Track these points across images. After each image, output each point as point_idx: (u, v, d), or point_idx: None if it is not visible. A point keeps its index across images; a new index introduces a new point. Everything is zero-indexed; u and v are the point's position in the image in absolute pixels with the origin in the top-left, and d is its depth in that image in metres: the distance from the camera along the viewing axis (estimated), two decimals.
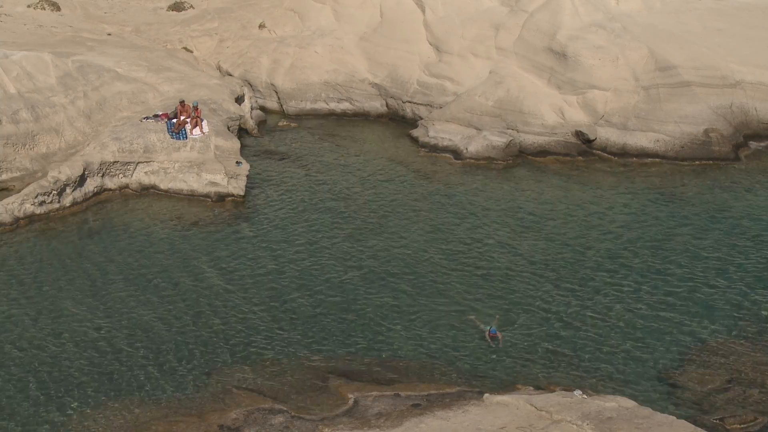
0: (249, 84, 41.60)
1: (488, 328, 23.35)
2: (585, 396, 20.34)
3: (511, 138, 36.16)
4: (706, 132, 35.49)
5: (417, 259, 27.83)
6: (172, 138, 32.89)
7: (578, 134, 36.25)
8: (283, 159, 35.98)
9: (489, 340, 23.25)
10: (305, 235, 29.49)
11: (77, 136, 33.01)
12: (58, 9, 45.93)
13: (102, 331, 23.87)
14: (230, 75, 42.06)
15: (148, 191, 32.40)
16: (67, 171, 30.60)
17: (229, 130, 34.81)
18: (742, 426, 20.19)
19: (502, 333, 23.62)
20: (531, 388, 21.46)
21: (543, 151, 35.99)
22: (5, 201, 29.35)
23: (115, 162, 31.95)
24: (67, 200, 30.54)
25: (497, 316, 23.96)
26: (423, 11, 41.94)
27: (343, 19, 43.48)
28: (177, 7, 47.23)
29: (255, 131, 38.50)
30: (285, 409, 20.49)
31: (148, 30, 44.67)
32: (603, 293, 25.83)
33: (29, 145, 31.74)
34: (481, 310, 24.92)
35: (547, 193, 32.70)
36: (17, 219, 29.28)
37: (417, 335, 23.95)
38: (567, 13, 38.29)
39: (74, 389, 21.51)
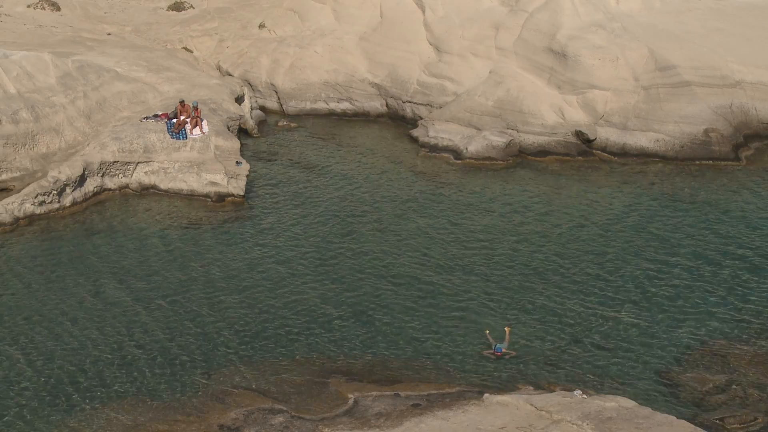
0: (249, 84, 41.60)
1: (495, 346, 23.11)
2: (585, 396, 20.34)
3: (511, 138, 36.17)
4: (706, 132, 35.49)
5: (416, 259, 27.82)
6: (172, 138, 32.89)
7: (578, 134, 36.25)
8: (283, 159, 35.98)
9: (490, 356, 22.90)
10: (305, 234, 29.49)
11: (77, 136, 33.00)
12: (58, 9, 45.92)
13: (101, 331, 23.86)
14: (230, 75, 42.05)
15: (148, 191, 32.40)
16: (67, 171, 30.61)
17: (229, 130, 34.82)
18: (742, 426, 20.20)
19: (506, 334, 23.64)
20: (531, 388, 21.46)
21: (543, 151, 35.99)
22: (5, 201, 29.35)
23: (115, 162, 31.95)
24: (67, 200, 30.54)
25: (508, 329, 23.68)
26: (423, 11, 41.94)
27: (343, 19, 43.47)
28: (177, 7, 47.22)
29: (255, 131, 38.50)
30: (285, 409, 20.50)
31: (148, 30, 44.67)
32: (602, 293, 25.83)
33: (29, 145, 31.74)
34: (480, 310, 24.96)
35: (546, 194, 32.69)
36: (17, 219, 29.29)
37: (417, 335, 23.95)
38: (567, 13, 38.29)
39: (73, 389, 21.51)
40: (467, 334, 23.94)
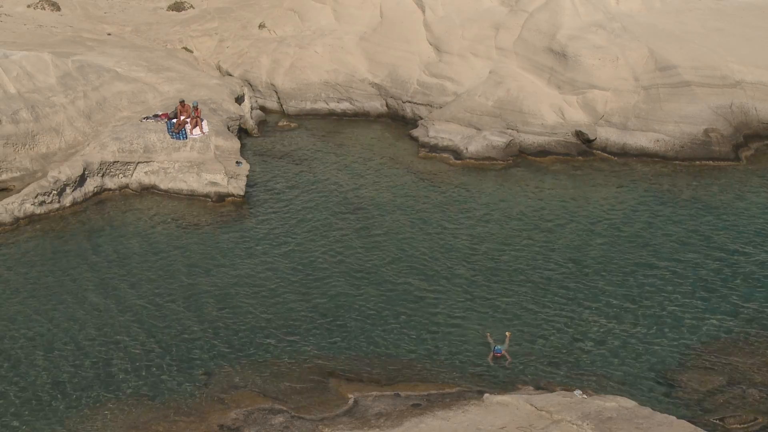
0: (249, 84, 41.61)
1: (494, 347, 23.06)
2: (585, 396, 20.34)
3: (511, 138, 36.16)
4: (706, 132, 35.49)
5: (417, 260, 27.82)
6: (172, 138, 32.89)
7: (578, 134, 36.25)
8: (283, 159, 35.98)
9: (491, 361, 22.81)
10: (305, 235, 29.49)
11: (77, 136, 33.01)
12: (58, 9, 45.93)
13: (102, 331, 23.87)
14: (230, 75, 42.06)
15: (148, 191, 32.40)
16: (67, 171, 30.61)
17: (229, 130, 34.82)
18: (742, 426, 20.20)
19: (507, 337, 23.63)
20: (531, 388, 21.46)
21: (543, 151, 35.98)
22: (5, 201, 29.36)
23: (115, 162, 31.96)
24: (67, 200, 30.55)
25: (508, 334, 23.65)
26: (423, 11, 41.94)
27: (343, 19, 43.47)
28: (177, 7, 47.23)
29: (255, 131, 38.50)
30: (285, 409, 20.50)
31: (148, 30, 44.68)
32: (603, 293, 25.83)
33: (29, 145, 31.75)
34: (480, 311, 24.97)
35: (546, 194, 32.69)
36: (17, 219, 29.30)
37: (417, 335, 23.95)
38: (567, 13, 38.29)
39: (74, 389, 21.52)
40: (467, 334, 23.94)
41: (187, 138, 33.03)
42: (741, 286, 26.07)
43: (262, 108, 41.39)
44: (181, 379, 21.97)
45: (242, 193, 31.92)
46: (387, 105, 40.81)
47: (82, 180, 31.00)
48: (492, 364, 22.70)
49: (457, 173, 34.63)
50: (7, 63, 33.32)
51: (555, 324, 24.36)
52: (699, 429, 18.23)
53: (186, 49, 43.35)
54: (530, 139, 36.26)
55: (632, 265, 27.33)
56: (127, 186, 32.44)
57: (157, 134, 32.90)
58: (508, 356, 22.81)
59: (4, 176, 30.81)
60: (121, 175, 32.27)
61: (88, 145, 32.30)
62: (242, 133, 37.20)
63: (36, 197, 29.68)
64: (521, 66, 38.72)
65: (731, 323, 24.26)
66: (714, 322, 24.33)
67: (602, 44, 37.38)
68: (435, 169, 34.94)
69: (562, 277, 26.73)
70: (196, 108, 33.39)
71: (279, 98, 41.59)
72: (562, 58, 37.41)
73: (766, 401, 21.07)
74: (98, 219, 30.34)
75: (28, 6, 45.43)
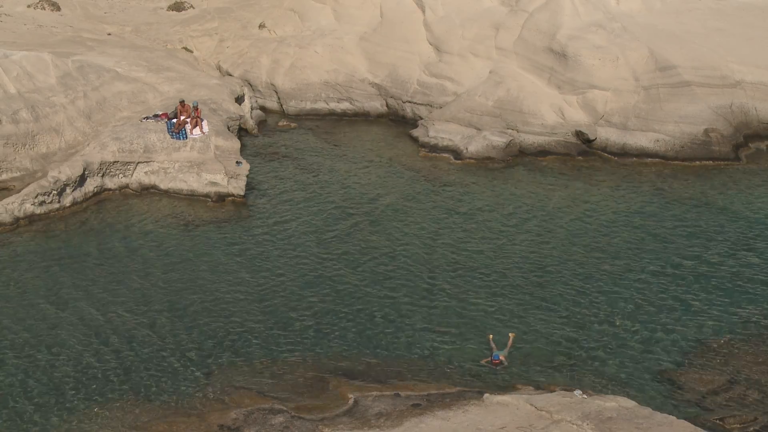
0: (249, 84, 41.62)
1: (493, 353, 22.72)
2: (585, 396, 20.34)
3: (511, 138, 36.18)
4: (706, 132, 35.50)
5: (417, 259, 27.83)
6: (172, 138, 32.90)
7: (578, 134, 36.26)
8: (283, 159, 35.99)
9: (491, 365, 22.61)
10: (305, 235, 29.50)
11: (77, 136, 33.01)
12: (58, 9, 45.93)
13: (101, 331, 23.87)
14: (230, 75, 42.07)
15: (148, 191, 32.40)
16: (67, 171, 30.61)
17: (229, 130, 34.83)
18: (742, 426, 20.18)
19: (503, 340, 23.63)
20: (531, 388, 21.45)
21: (543, 151, 36.01)
22: (5, 201, 29.35)
23: (115, 162, 31.96)
24: (67, 200, 30.55)
25: (512, 336, 23.53)
26: (423, 11, 41.96)
27: (343, 19, 43.49)
28: (177, 7, 47.24)
29: (255, 131, 38.51)
30: (285, 409, 20.49)
31: (148, 30, 44.68)
32: (603, 293, 25.84)
33: (29, 145, 31.74)
34: (480, 311, 24.96)
35: (546, 194, 32.70)
36: (17, 219, 29.29)
37: (417, 335, 23.95)
38: (567, 13, 38.32)
39: (74, 389, 21.51)
40: (467, 334, 23.93)
41: (187, 138, 33.04)
42: (741, 285, 26.07)
43: (262, 108, 41.40)
44: (181, 379, 21.96)
45: (242, 193, 31.92)
46: (387, 105, 40.83)
47: (82, 180, 31.01)
48: (483, 364, 22.61)
49: (457, 173, 34.64)
50: (7, 63, 33.32)
51: (555, 324, 24.35)
52: (699, 429, 18.23)
53: (186, 49, 43.36)
54: (530, 139, 36.28)
55: (632, 264, 27.33)
56: (127, 186, 32.44)
57: (157, 134, 32.91)
58: (505, 361, 22.57)
59: (4, 176, 30.81)
60: (121, 175, 32.27)
61: (88, 145, 32.30)
62: (242, 133, 37.21)
63: (36, 197, 29.68)
64: (521, 66, 38.74)
65: (731, 323, 24.26)
66: (714, 322, 24.33)
67: (602, 44, 37.40)
68: (435, 169, 34.96)
69: (563, 276, 26.73)
70: (196, 108, 33.39)
71: (279, 98, 41.60)
72: (562, 58, 37.42)
73: (766, 401, 21.07)
74: (98, 219, 30.34)
75: (28, 6, 45.43)
